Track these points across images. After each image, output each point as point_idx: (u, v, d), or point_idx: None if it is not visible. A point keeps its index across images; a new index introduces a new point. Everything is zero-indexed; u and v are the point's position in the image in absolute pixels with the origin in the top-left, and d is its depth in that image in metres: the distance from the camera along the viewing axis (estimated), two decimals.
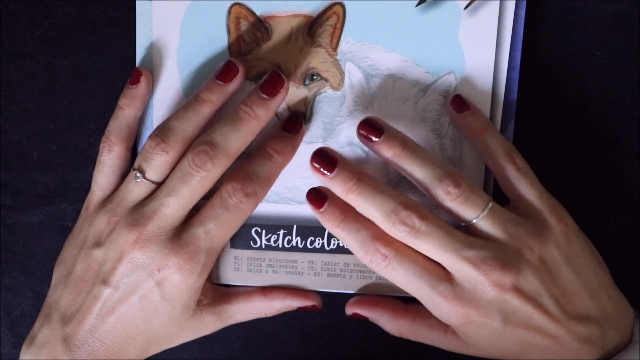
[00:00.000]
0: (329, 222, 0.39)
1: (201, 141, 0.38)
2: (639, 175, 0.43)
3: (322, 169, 0.38)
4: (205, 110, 0.39)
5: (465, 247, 0.37)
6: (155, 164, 0.39)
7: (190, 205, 0.39)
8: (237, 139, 0.38)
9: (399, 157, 0.38)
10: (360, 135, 0.39)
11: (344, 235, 0.38)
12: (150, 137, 0.39)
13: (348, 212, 0.39)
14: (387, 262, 0.37)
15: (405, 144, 0.38)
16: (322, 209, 0.39)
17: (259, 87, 0.39)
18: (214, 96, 0.39)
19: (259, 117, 0.39)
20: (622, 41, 0.42)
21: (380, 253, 0.37)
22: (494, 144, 0.39)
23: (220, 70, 0.40)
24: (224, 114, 0.39)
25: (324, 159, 0.38)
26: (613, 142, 0.43)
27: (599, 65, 0.42)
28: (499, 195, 0.40)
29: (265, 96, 0.39)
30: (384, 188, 0.38)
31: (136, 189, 0.39)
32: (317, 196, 0.39)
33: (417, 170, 0.38)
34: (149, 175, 0.39)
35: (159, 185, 0.39)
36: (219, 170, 0.38)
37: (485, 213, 0.37)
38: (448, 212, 0.38)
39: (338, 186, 0.38)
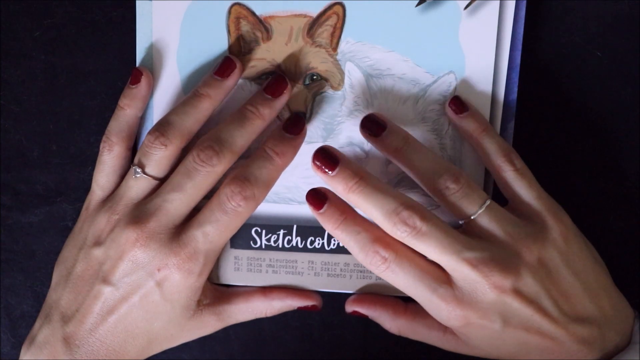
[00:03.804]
0: (329, 224, 0.38)
1: (207, 138, 0.39)
2: (639, 175, 0.43)
3: (323, 167, 0.38)
4: (203, 105, 0.39)
5: (465, 249, 0.37)
6: (155, 158, 0.39)
7: (193, 203, 0.39)
8: (242, 136, 0.39)
9: (400, 152, 0.39)
10: (363, 130, 0.39)
11: (344, 237, 0.38)
12: (149, 132, 0.39)
13: (348, 214, 0.38)
14: (387, 264, 0.37)
15: (406, 139, 0.39)
16: (321, 210, 0.39)
17: (263, 88, 0.40)
18: (212, 91, 0.40)
19: (264, 116, 0.39)
20: (622, 41, 0.42)
21: (380, 255, 0.37)
22: (493, 146, 0.39)
23: (218, 66, 0.40)
24: (228, 114, 0.40)
25: (326, 157, 0.38)
26: (613, 142, 0.43)
27: (599, 65, 0.42)
28: (498, 197, 0.40)
29: (269, 97, 0.40)
30: (385, 188, 0.38)
31: (136, 185, 0.39)
32: (317, 197, 0.39)
33: (417, 165, 0.38)
34: (148, 170, 0.39)
35: (159, 181, 0.40)
36: (223, 166, 0.39)
37: (482, 210, 0.38)
38: (446, 207, 0.38)
39: (339, 185, 0.38)
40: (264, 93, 0.40)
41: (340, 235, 0.38)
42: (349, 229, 0.38)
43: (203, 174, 0.38)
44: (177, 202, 0.38)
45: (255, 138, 0.40)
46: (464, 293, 0.37)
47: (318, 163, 0.38)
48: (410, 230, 0.37)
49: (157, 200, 0.39)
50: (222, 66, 0.40)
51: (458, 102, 0.40)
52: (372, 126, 0.39)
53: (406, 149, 0.39)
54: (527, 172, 0.39)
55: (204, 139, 0.39)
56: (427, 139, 0.41)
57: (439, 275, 0.37)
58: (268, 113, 0.40)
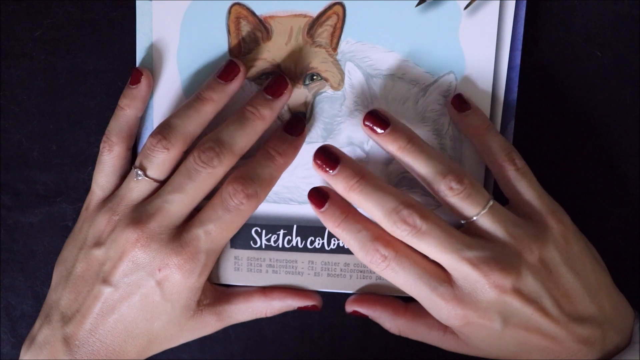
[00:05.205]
0: (330, 222, 0.39)
1: (207, 139, 0.39)
2: (639, 175, 0.43)
3: (324, 166, 0.38)
4: (206, 109, 0.39)
5: (466, 248, 0.37)
6: (157, 161, 0.39)
7: (193, 204, 0.39)
8: (242, 137, 0.39)
9: (403, 150, 0.38)
10: (365, 126, 0.39)
11: (345, 235, 0.39)
12: (151, 135, 0.39)
13: (349, 212, 0.39)
14: (387, 262, 0.37)
15: (410, 138, 0.38)
16: (323, 209, 0.39)
17: (264, 88, 0.40)
18: (215, 95, 0.39)
19: (264, 116, 0.39)
20: (622, 41, 0.42)
21: (380, 254, 0.37)
22: (494, 144, 0.39)
23: (221, 69, 0.40)
24: (228, 115, 0.40)
25: (327, 156, 0.39)
26: (613, 142, 0.43)
27: (599, 65, 0.42)
28: (498, 196, 0.40)
29: (269, 97, 0.40)
30: (385, 186, 0.38)
31: (137, 187, 0.39)
32: (319, 195, 0.39)
33: (421, 165, 0.38)
34: (150, 172, 0.39)
35: (160, 183, 0.40)
36: (224, 167, 0.39)
37: (486, 210, 0.38)
38: (449, 208, 0.38)
39: (340, 184, 0.38)
40: (265, 93, 0.40)
41: (341, 233, 0.39)
42: (349, 227, 0.38)
43: (204, 175, 0.38)
44: (177, 203, 0.38)
45: (256, 139, 0.40)
46: (464, 292, 0.37)
47: (319, 162, 0.39)
48: (410, 229, 0.37)
49: (158, 201, 0.39)
50: (226, 70, 0.40)
51: (460, 100, 0.40)
52: (374, 122, 0.39)
53: (409, 148, 0.38)
54: (528, 171, 0.39)
55: (204, 140, 0.39)
56: (427, 139, 0.41)
57: (439, 274, 0.38)
58: (268, 114, 0.40)
